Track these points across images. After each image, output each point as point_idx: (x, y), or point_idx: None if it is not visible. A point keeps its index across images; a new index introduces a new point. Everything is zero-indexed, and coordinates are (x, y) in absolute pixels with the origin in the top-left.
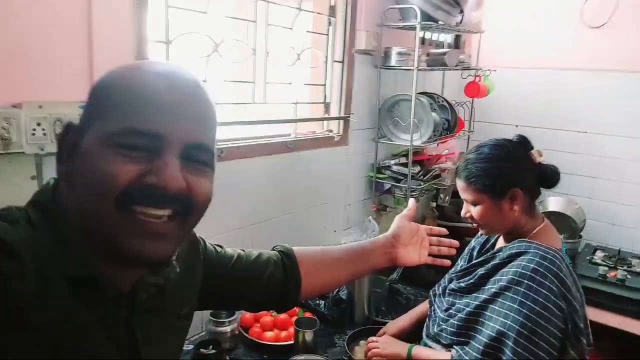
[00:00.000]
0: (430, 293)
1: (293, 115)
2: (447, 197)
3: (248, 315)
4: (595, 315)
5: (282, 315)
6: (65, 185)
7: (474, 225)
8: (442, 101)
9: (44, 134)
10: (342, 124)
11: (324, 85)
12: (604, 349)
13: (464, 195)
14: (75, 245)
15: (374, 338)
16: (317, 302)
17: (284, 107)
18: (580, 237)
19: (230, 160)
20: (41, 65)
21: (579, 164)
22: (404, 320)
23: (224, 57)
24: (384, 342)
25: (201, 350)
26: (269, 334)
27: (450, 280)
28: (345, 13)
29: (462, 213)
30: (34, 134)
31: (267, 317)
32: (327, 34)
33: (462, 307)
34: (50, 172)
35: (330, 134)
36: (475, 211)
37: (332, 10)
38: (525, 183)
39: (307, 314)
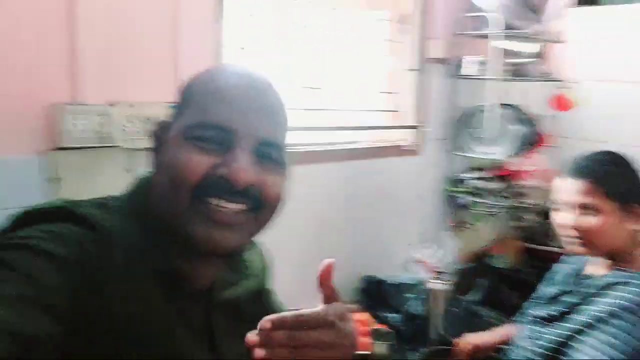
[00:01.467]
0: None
1: (364, 123)
2: (532, 217)
3: None
4: None
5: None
6: (155, 177)
7: (574, 241)
8: (525, 114)
9: (135, 131)
10: (414, 133)
11: (397, 93)
12: None
13: (584, 197)
14: (160, 239)
15: None
16: (391, 315)
17: (355, 114)
18: None
19: (302, 165)
20: (132, 69)
21: None
22: (487, 336)
23: (297, 63)
24: None
25: None
26: None
27: (534, 307)
28: (418, 21)
29: (571, 223)
30: (125, 130)
31: None
32: (401, 42)
33: (549, 336)
34: (141, 166)
35: (401, 143)
36: (591, 221)
37: (406, 19)
38: None
39: (379, 326)
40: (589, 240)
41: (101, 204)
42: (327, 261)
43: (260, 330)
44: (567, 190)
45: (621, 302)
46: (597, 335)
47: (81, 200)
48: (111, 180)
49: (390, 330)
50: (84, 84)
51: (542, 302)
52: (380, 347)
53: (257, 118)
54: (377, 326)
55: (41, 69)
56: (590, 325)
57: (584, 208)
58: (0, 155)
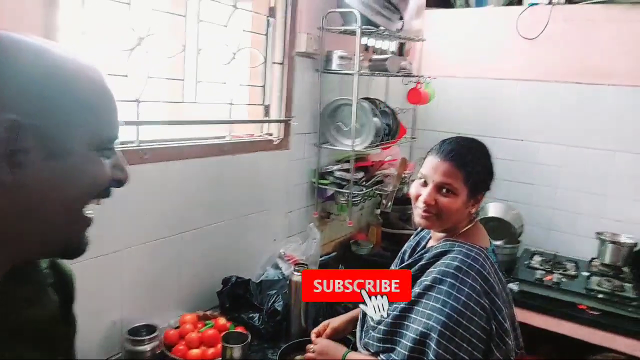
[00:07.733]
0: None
1: (228, 117)
2: (389, 203)
3: (172, 331)
4: (534, 319)
5: (211, 331)
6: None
7: (425, 214)
8: (384, 107)
9: None
10: (282, 127)
11: (263, 86)
12: (545, 352)
13: (445, 178)
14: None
15: (310, 346)
16: (251, 315)
17: (219, 107)
18: (519, 242)
19: (157, 163)
20: None
21: (517, 171)
22: (339, 320)
23: (150, 52)
24: (320, 349)
25: None
26: (195, 351)
27: None
28: (285, 14)
29: (427, 198)
30: None
31: (193, 333)
32: (266, 35)
33: (390, 312)
34: None
35: (270, 138)
36: (445, 200)
37: (272, 11)
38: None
39: (239, 329)
40: (437, 216)
41: None
42: None
43: None
44: (433, 168)
45: (441, 268)
46: (423, 304)
47: None
48: None
49: (245, 332)
50: None
51: None
52: (232, 351)
53: None
54: (235, 329)
55: None
56: (419, 295)
57: (442, 187)
58: None
